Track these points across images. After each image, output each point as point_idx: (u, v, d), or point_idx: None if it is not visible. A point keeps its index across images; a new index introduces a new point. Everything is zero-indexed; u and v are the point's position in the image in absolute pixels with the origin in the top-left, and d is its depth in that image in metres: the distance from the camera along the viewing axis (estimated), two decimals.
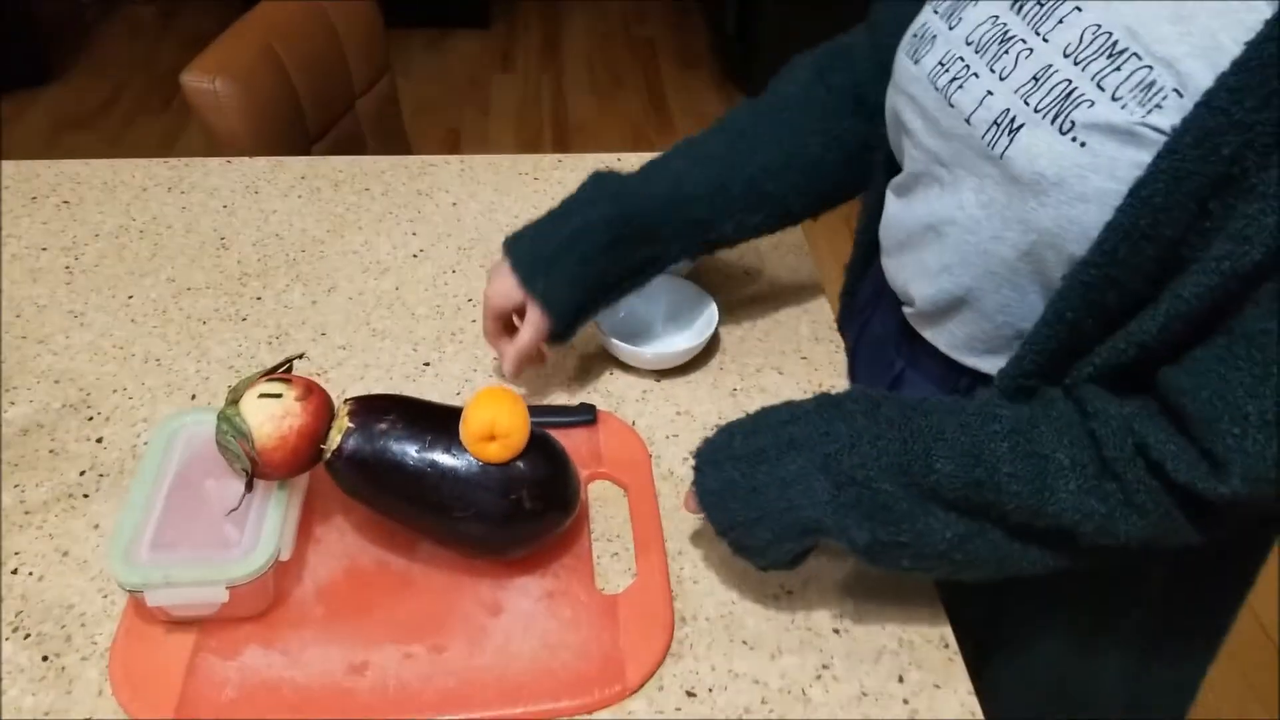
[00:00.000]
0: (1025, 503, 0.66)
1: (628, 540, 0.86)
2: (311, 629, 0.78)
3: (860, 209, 0.99)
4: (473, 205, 1.26)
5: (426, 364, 1.03)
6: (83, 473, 0.91)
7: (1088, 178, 0.63)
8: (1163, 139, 0.60)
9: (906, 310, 0.86)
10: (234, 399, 0.76)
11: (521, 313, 0.94)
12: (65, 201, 1.24)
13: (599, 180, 0.93)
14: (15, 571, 0.82)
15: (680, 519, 0.88)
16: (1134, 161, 0.61)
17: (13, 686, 0.75)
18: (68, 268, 1.14)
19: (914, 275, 0.83)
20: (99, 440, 0.94)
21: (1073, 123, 0.64)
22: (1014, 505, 0.67)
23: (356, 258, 1.17)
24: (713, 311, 1.03)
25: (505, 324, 0.96)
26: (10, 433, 0.94)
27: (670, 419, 0.98)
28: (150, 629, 0.78)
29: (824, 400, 0.73)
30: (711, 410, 0.99)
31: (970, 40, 0.72)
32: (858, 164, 0.95)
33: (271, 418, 0.74)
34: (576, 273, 0.90)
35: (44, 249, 1.16)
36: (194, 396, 0.98)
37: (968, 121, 0.71)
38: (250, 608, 0.78)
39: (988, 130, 0.69)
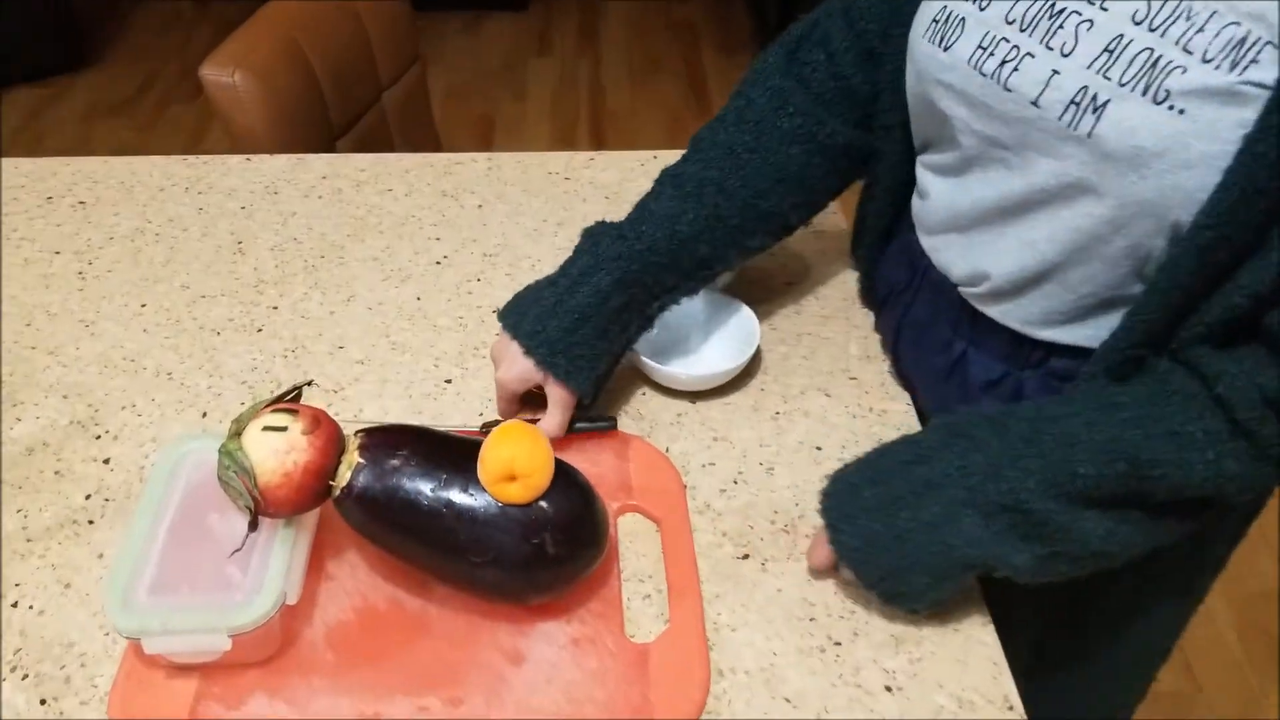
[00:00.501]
0: (1169, 482, 0.68)
1: (660, 581, 0.80)
2: (320, 677, 0.73)
3: (867, 191, 0.95)
4: (499, 208, 1.20)
5: (448, 381, 0.98)
6: (88, 496, 0.86)
7: (1190, 144, 0.61)
8: (1266, 93, 0.59)
9: (968, 290, 0.82)
10: (236, 431, 0.71)
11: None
12: (81, 202, 1.20)
13: (595, 242, 0.88)
14: (15, 605, 0.78)
15: (717, 559, 0.82)
16: (1238, 121, 0.60)
17: None
18: (80, 273, 1.10)
19: (983, 255, 0.78)
20: (106, 461, 0.89)
21: (1167, 91, 0.62)
22: (1158, 487, 0.68)
23: (377, 264, 1.12)
24: (754, 328, 0.96)
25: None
26: (15, 451, 0.90)
27: (707, 445, 0.91)
28: (151, 673, 0.73)
29: (947, 431, 0.74)
30: (751, 436, 0.92)
31: (1011, 19, 0.69)
32: (845, 164, 0.92)
33: (275, 453, 0.69)
34: (597, 346, 0.87)
35: (57, 253, 1.12)
36: (205, 414, 0.94)
37: (1035, 104, 0.68)
38: (256, 654, 0.73)
39: (1065, 111, 0.66)
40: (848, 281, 1.09)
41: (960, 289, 0.82)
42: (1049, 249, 0.73)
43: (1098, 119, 0.65)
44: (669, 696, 0.72)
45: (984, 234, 0.78)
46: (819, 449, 0.91)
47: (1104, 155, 0.65)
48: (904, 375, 0.96)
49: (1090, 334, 0.76)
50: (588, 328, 0.85)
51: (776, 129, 0.88)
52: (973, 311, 0.82)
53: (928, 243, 0.86)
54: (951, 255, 0.82)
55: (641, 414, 0.95)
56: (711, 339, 1.00)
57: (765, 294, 1.07)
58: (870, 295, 1.02)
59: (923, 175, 0.84)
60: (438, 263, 1.12)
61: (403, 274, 1.10)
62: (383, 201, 1.21)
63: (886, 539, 0.73)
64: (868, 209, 0.96)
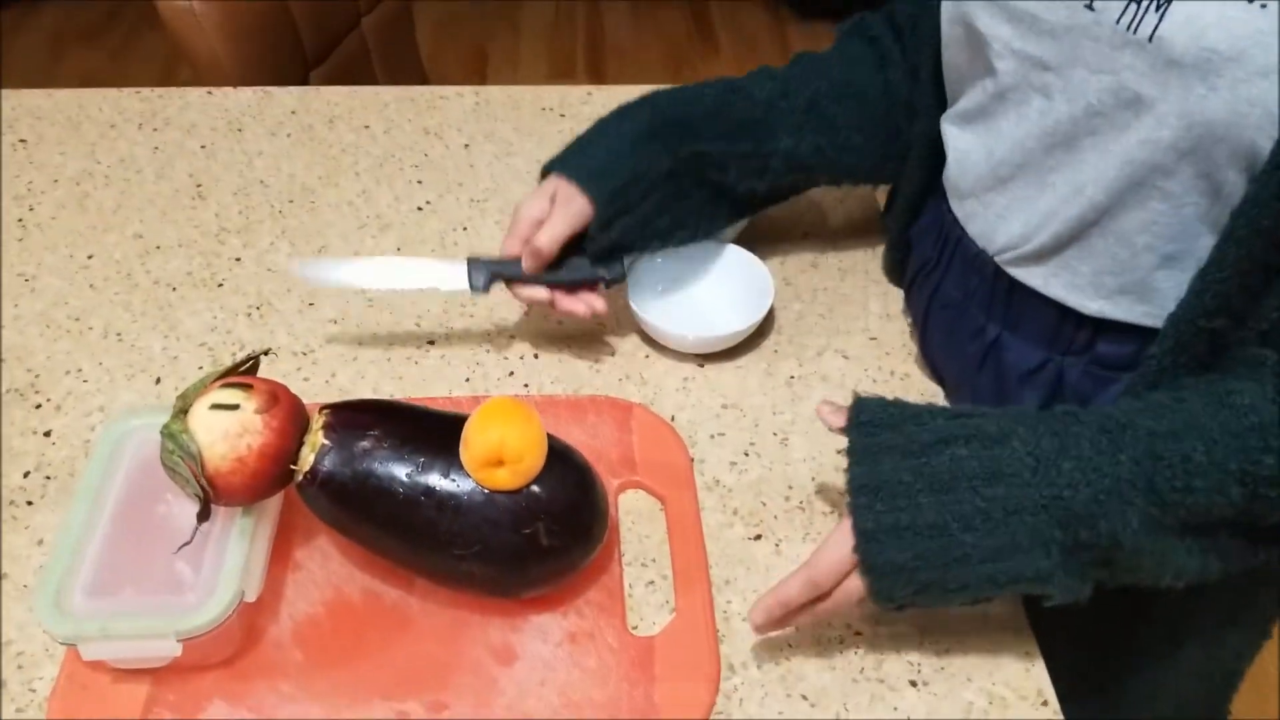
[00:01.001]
0: None
1: (665, 565, 0.72)
2: (287, 681, 0.65)
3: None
4: (488, 148, 1.10)
5: (430, 342, 0.88)
6: (27, 474, 0.77)
7: (1272, 45, 0.53)
8: None
9: (1004, 256, 0.72)
10: (181, 409, 0.62)
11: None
12: (22, 140, 1.09)
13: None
14: None
15: (728, 540, 0.74)
16: None
17: None
18: (20, 220, 0.99)
19: (1016, 210, 0.70)
20: (47, 434, 0.80)
21: None
22: (1274, 512, 0.59)
23: (352, 210, 1.02)
24: (767, 284, 0.87)
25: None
26: None
27: (715, 413, 0.83)
28: (95, 676, 0.65)
29: (1039, 452, 0.59)
30: (764, 403, 0.83)
31: None
32: (903, 125, 0.84)
33: (226, 435, 0.60)
34: (616, 148, 0.81)
35: None
36: (159, 380, 0.84)
37: (1089, 7, 0.60)
38: (211, 656, 0.65)
39: (1124, 11, 0.58)
40: (869, 232, 1.00)
41: (998, 257, 0.73)
42: (1097, 190, 0.64)
43: (1161, 17, 0.56)
44: (675, 696, 0.65)
45: (1022, 186, 0.69)
46: None
47: (1167, 62, 0.57)
48: (933, 366, 0.86)
49: (1147, 310, 0.67)
50: (608, 137, 0.82)
51: (858, 60, 0.86)
52: (1008, 290, 0.73)
53: (961, 210, 0.76)
54: (989, 218, 0.73)
55: (644, 379, 0.86)
56: (720, 295, 0.91)
57: (779, 245, 0.98)
58: (898, 271, 0.92)
59: (951, 135, 0.76)
60: (420, 209, 1.02)
61: (381, 221, 1.01)
62: (359, 140, 1.11)
63: (939, 564, 0.60)
64: (900, 175, 0.87)
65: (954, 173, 0.76)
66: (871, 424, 0.64)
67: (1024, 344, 0.74)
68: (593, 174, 0.80)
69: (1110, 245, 0.65)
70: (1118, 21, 0.58)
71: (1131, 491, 0.57)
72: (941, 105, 0.78)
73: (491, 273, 0.82)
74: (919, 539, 0.60)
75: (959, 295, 0.79)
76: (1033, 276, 0.71)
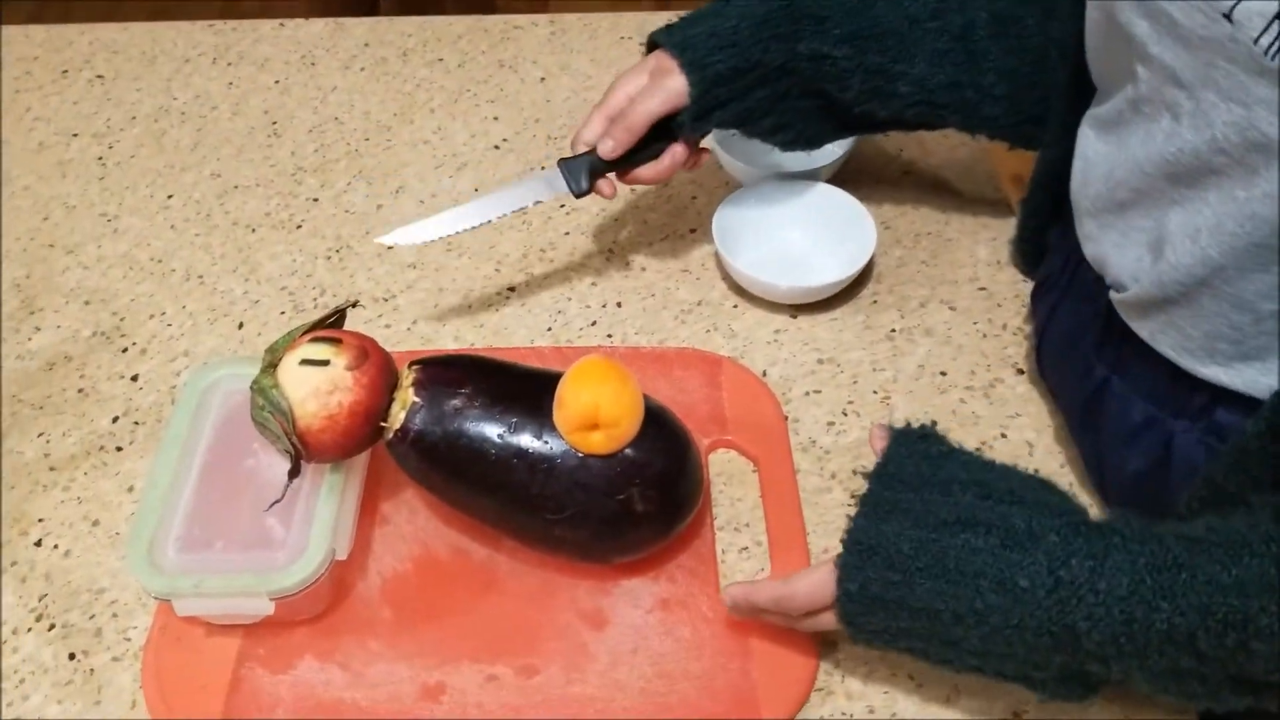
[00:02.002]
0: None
1: (759, 530, 0.70)
2: (377, 639, 0.64)
3: (1045, 142, 0.74)
4: (564, 81, 1.06)
5: (511, 289, 0.86)
6: (115, 419, 0.77)
7: None
8: None
9: (1119, 296, 0.63)
10: (271, 363, 0.60)
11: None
12: (99, 76, 1.07)
13: None
14: (39, 543, 0.70)
15: (825, 506, 0.71)
16: None
17: (36, 691, 0.63)
18: (100, 159, 0.98)
19: (1128, 245, 0.61)
20: (134, 378, 0.80)
21: None
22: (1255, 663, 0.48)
23: (428, 149, 0.99)
24: (869, 228, 0.83)
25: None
26: (34, 367, 0.81)
27: (810, 369, 0.79)
28: (189, 628, 0.65)
29: (1065, 572, 0.51)
30: (863, 358, 0.80)
31: None
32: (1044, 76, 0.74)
33: (316, 392, 0.58)
34: (732, 30, 0.74)
35: (75, 135, 1.01)
36: (241, 325, 0.83)
37: (1228, 17, 0.49)
38: (302, 613, 0.64)
39: (1265, 29, 0.47)
40: (976, 170, 0.94)
41: (1111, 292, 0.63)
42: (1212, 243, 0.53)
43: None
44: (774, 671, 0.63)
45: (1138, 216, 0.60)
46: (943, 374, 0.78)
47: None
48: (1048, 385, 0.77)
49: (1271, 383, 0.55)
50: (716, 17, 0.75)
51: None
52: (1122, 330, 0.63)
53: (1081, 228, 0.67)
54: (1103, 247, 0.64)
55: (733, 330, 0.82)
56: (816, 241, 0.87)
57: (876, 184, 0.93)
58: (1028, 265, 0.82)
59: (1084, 138, 0.66)
60: (496, 147, 0.99)
61: (457, 160, 0.97)
62: (433, 74, 1.07)
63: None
64: (1039, 165, 0.76)
65: (1076, 183, 0.67)
66: (898, 477, 0.57)
67: (1132, 394, 0.64)
68: (698, 54, 0.73)
69: (1225, 309, 0.55)
70: (1256, 41, 0.47)
71: (1163, 644, 0.48)
72: (1085, 97, 0.68)
73: (591, 167, 0.77)
74: (904, 614, 0.54)
75: (1073, 324, 0.70)
76: (1139, 325, 0.61)
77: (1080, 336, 0.69)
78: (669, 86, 0.74)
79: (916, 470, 0.57)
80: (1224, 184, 0.52)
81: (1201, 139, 0.52)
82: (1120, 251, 0.62)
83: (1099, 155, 0.64)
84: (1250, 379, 0.56)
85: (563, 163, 0.78)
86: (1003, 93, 0.76)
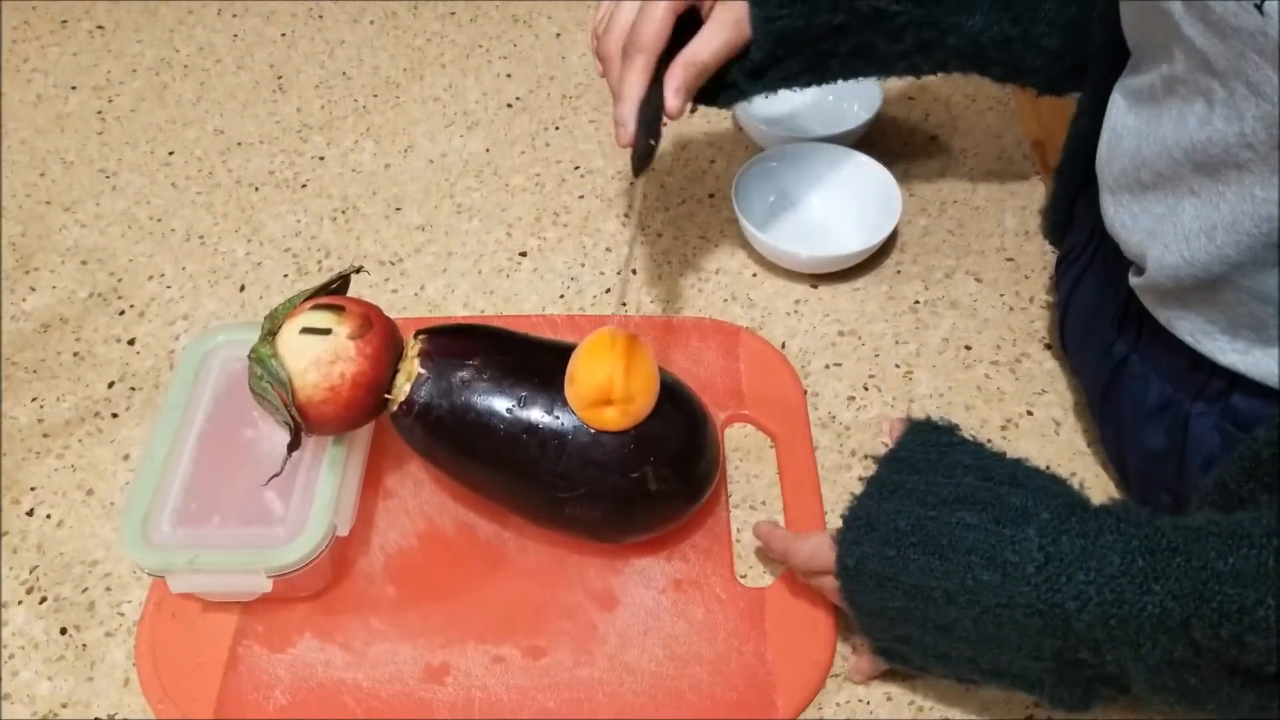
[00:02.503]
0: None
1: (776, 509, 0.67)
2: (379, 617, 0.62)
3: (1080, 108, 0.71)
4: (580, 38, 1.02)
5: (523, 254, 0.83)
6: (111, 384, 0.75)
7: None
8: None
9: (1135, 279, 0.60)
10: (270, 331, 0.57)
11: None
12: (100, 27, 1.04)
13: None
14: (31, 513, 0.68)
15: (845, 484, 0.68)
16: None
17: (26, 666, 0.61)
18: (100, 113, 0.95)
19: (1150, 230, 0.57)
20: (131, 342, 0.77)
21: None
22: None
23: (439, 106, 0.95)
24: (894, 195, 0.79)
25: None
26: (29, 328, 0.78)
27: (830, 341, 0.76)
28: (185, 604, 0.63)
29: (1055, 549, 0.49)
30: (885, 330, 0.77)
31: None
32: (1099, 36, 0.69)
33: (318, 362, 0.56)
34: None
35: (73, 88, 0.97)
36: (243, 288, 0.80)
37: (1259, 8, 0.45)
38: (303, 590, 0.62)
39: None
40: (1004, 137, 0.90)
41: (1131, 277, 0.61)
42: (1228, 241, 0.51)
43: None
44: (790, 655, 0.60)
45: (1156, 202, 0.57)
46: (968, 349, 0.75)
47: None
48: (1071, 363, 0.74)
49: None
50: None
51: None
52: (1143, 308, 0.61)
53: (1103, 203, 0.64)
54: (1124, 223, 0.61)
55: (752, 300, 0.79)
56: (838, 208, 0.83)
57: (901, 151, 0.89)
58: (1057, 236, 0.78)
59: (1116, 107, 0.62)
60: (509, 105, 0.95)
61: (469, 119, 0.94)
62: (444, 29, 1.03)
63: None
64: (1073, 126, 0.72)
65: (1102, 156, 0.63)
66: (906, 462, 0.56)
67: (1151, 374, 0.62)
68: (768, 8, 0.66)
69: (1244, 299, 0.53)
70: None
71: (1155, 630, 0.46)
72: (1121, 60, 0.64)
73: (649, 126, 0.65)
74: (899, 593, 0.53)
75: (1096, 299, 0.68)
76: (1156, 310, 0.59)
77: (1102, 312, 0.66)
78: (724, 22, 0.66)
79: (925, 456, 0.56)
80: (1245, 180, 0.49)
81: (1232, 130, 0.49)
82: (1132, 230, 0.59)
83: (1128, 130, 0.60)
84: (1269, 368, 0.54)
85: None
86: (1052, 45, 0.72)
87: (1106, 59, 0.65)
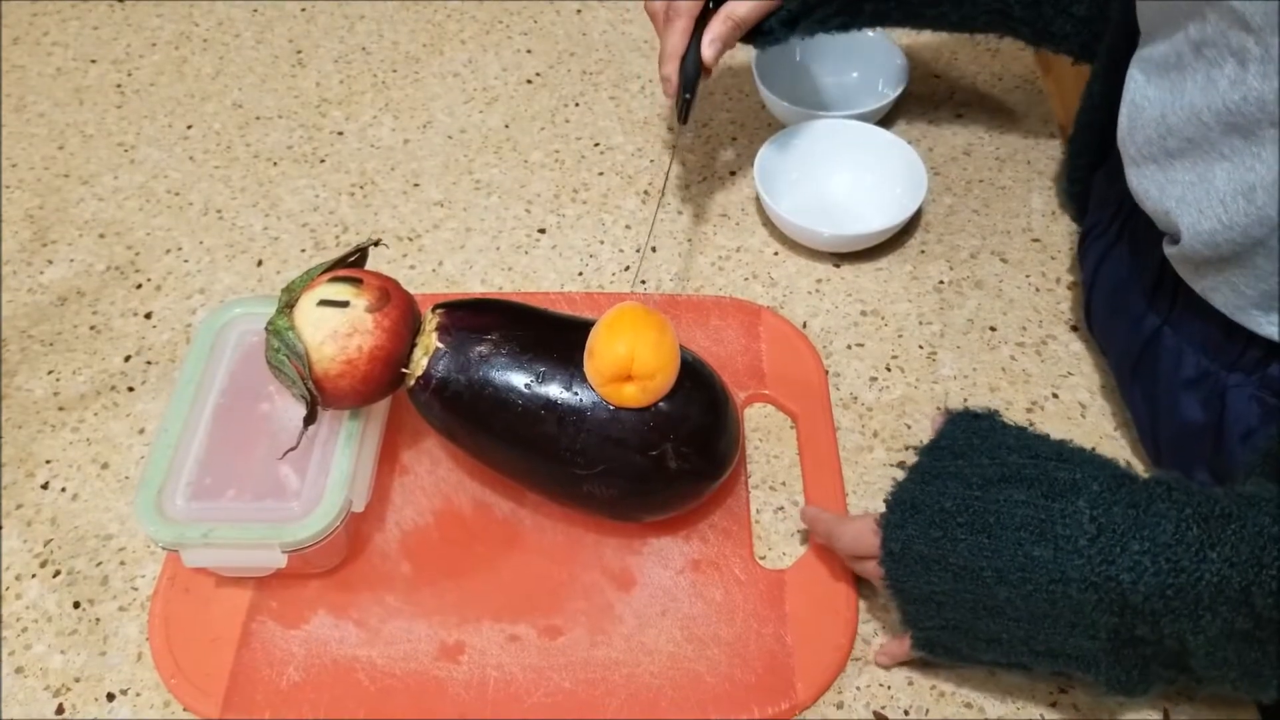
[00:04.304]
0: None
1: (795, 490, 0.66)
2: (394, 594, 0.62)
3: (1093, 76, 0.69)
4: (602, 14, 1.01)
5: (541, 230, 0.82)
6: (128, 358, 0.74)
7: None
8: None
9: (1170, 249, 0.59)
10: (287, 303, 0.57)
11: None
12: (119, 1, 1.03)
13: None
14: (46, 486, 0.68)
15: (867, 466, 0.67)
16: None
17: (39, 640, 0.61)
18: (119, 86, 0.94)
19: (1181, 198, 0.56)
20: (148, 316, 0.77)
21: None
22: None
23: (458, 82, 0.94)
24: (919, 174, 0.78)
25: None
26: (46, 301, 0.78)
27: (853, 322, 0.75)
28: (198, 579, 0.62)
29: (1106, 519, 0.48)
30: (909, 310, 0.75)
31: None
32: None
33: (335, 335, 0.55)
34: None
35: (93, 61, 0.97)
36: (260, 263, 0.80)
37: None
38: (317, 566, 0.62)
39: None
40: (1030, 115, 0.89)
41: (1165, 246, 0.59)
42: (1271, 201, 0.50)
43: None
44: (810, 638, 0.59)
45: (1186, 169, 0.56)
46: (993, 330, 0.74)
47: None
48: (1098, 343, 0.73)
49: None
50: None
51: None
52: (1175, 279, 0.60)
53: (1132, 174, 0.62)
54: (1153, 193, 0.59)
55: (773, 279, 0.78)
56: (862, 186, 0.82)
57: (925, 128, 0.87)
58: (1076, 208, 0.77)
59: (1133, 81, 0.61)
60: (529, 81, 0.94)
61: (488, 94, 0.93)
62: (464, 4, 1.02)
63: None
64: (1085, 99, 0.71)
65: (1124, 129, 0.61)
66: (949, 449, 0.55)
67: (1185, 347, 0.61)
68: None
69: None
70: None
71: (1215, 598, 0.45)
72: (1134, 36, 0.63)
73: (688, 81, 0.72)
74: (947, 575, 0.51)
75: (1125, 272, 0.66)
76: (1192, 279, 0.58)
77: (1131, 286, 0.65)
78: None
79: (967, 441, 0.55)
80: (1274, 138, 0.48)
81: (1269, 88, 0.48)
82: (1164, 199, 0.58)
83: (1149, 100, 0.59)
84: None
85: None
86: (1080, 12, 0.71)
87: (1122, 29, 0.64)
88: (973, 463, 0.54)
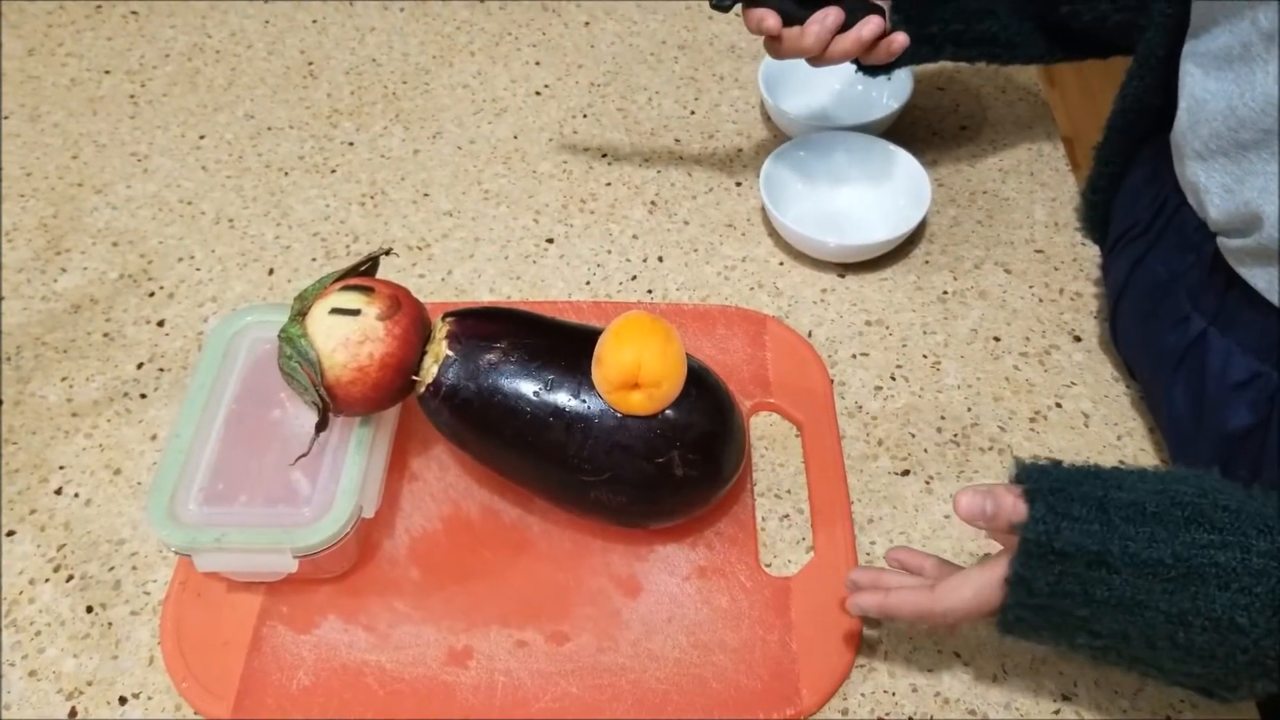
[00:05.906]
0: None
1: (801, 499, 0.67)
2: (403, 599, 0.62)
3: (1131, 75, 0.68)
4: (610, 26, 1.02)
5: (550, 240, 0.82)
6: (140, 365, 0.75)
7: None
8: None
9: (1226, 243, 0.58)
10: (300, 311, 0.57)
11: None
12: (133, 12, 1.04)
13: None
14: (59, 491, 0.69)
15: (872, 474, 0.68)
16: None
17: (52, 644, 0.62)
18: (132, 97, 0.96)
19: (1263, 189, 0.56)
20: (160, 323, 0.78)
21: None
22: None
23: (467, 93, 0.95)
24: (923, 185, 0.79)
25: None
26: (60, 308, 0.79)
27: (858, 331, 0.76)
28: (210, 584, 0.63)
29: None
30: (913, 320, 0.76)
31: None
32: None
33: (346, 343, 0.56)
34: None
35: (107, 72, 0.98)
36: (271, 271, 0.81)
37: None
38: (328, 571, 0.62)
39: None
40: (1034, 127, 0.89)
41: (1220, 239, 0.59)
42: None
43: None
44: (815, 645, 0.60)
45: (1262, 159, 0.55)
46: (996, 340, 0.75)
47: None
48: (1124, 356, 0.73)
49: None
50: None
51: None
52: (1226, 279, 0.59)
53: (1184, 171, 0.62)
54: (1214, 189, 0.59)
55: (778, 289, 0.79)
56: (867, 197, 0.83)
57: (930, 140, 0.88)
58: (1096, 223, 0.76)
59: (1190, 77, 0.60)
60: (538, 93, 0.95)
61: (497, 106, 0.94)
62: (474, 16, 1.03)
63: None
64: (1119, 102, 0.70)
65: (1184, 124, 0.61)
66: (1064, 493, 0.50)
67: (1234, 348, 0.60)
68: None
69: None
70: None
71: None
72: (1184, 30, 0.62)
73: None
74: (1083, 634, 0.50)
75: (1165, 274, 0.65)
76: (1255, 277, 0.57)
77: (1173, 288, 0.64)
78: None
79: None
80: None
81: None
82: (1232, 195, 0.57)
83: (1210, 94, 0.58)
84: None
85: None
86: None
87: (1169, 26, 0.63)
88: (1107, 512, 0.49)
